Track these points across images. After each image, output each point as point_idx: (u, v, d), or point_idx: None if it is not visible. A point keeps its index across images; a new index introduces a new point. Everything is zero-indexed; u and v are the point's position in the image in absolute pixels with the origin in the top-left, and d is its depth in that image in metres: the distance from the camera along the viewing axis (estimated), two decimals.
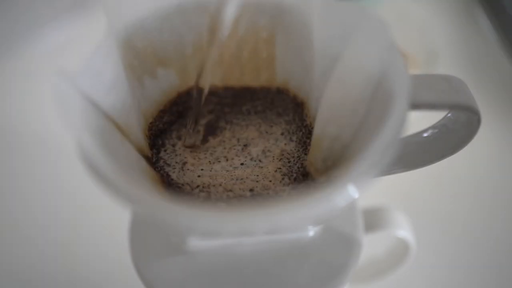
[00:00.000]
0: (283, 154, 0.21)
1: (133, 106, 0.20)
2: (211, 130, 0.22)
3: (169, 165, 0.21)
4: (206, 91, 0.20)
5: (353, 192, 0.15)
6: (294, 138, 0.21)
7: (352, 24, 0.18)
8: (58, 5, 0.48)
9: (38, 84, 0.43)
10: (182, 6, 0.21)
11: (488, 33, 0.47)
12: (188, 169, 0.20)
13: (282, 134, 0.22)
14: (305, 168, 0.20)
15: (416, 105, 0.18)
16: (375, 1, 0.47)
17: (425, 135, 0.22)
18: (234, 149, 0.21)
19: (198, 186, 0.20)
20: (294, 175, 0.20)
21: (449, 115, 0.20)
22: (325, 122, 0.20)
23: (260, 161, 0.21)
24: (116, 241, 0.30)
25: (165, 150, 0.21)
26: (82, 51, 0.19)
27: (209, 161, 0.21)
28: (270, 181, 0.20)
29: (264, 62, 0.23)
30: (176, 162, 0.21)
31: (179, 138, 0.22)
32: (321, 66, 0.20)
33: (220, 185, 0.20)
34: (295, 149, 0.21)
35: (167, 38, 0.22)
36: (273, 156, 0.21)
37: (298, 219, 0.15)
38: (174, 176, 0.20)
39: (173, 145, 0.21)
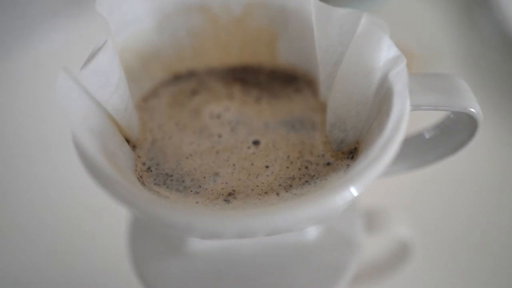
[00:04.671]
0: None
1: (134, 108, 0.20)
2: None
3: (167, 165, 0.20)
4: None
5: (352, 191, 0.15)
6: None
7: (350, 29, 0.18)
8: (58, 5, 0.48)
9: (38, 83, 0.43)
10: (182, 7, 0.21)
11: (488, 33, 0.47)
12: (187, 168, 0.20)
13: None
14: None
15: (417, 105, 0.18)
16: (376, 1, 0.47)
17: (426, 135, 0.22)
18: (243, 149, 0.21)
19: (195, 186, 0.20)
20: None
21: (450, 115, 0.20)
22: (331, 126, 0.20)
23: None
24: (115, 242, 0.30)
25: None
26: (83, 51, 0.19)
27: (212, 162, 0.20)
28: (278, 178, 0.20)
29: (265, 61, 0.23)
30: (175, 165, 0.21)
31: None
32: (324, 71, 0.20)
33: (226, 182, 0.19)
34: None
35: (167, 39, 0.22)
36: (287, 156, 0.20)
37: (298, 219, 0.15)
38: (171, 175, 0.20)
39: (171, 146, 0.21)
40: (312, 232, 0.22)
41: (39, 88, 0.42)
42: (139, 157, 0.20)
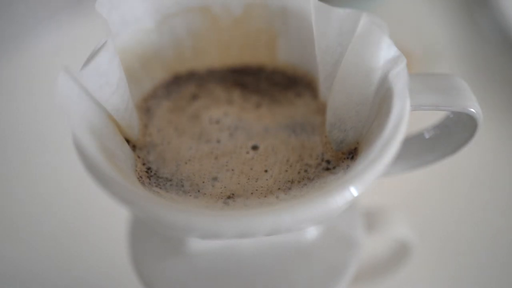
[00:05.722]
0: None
1: (134, 108, 0.20)
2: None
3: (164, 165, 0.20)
4: None
5: (352, 192, 0.15)
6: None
7: (349, 30, 0.18)
8: (58, 4, 0.48)
9: (38, 83, 0.43)
10: (182, 7, 0.21)
11: (488, 33, 0.47)
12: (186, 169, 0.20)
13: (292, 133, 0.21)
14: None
15: (417, 105, 0.18)
16: (375, 1, 0.47)
17: (426, 135, 0.22)
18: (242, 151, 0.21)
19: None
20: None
21: (450, 115, 0.20)
22: (331, 126, 0.20)
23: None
24: (115, 242, 0.30)
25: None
26: (83, 51, 0.19)
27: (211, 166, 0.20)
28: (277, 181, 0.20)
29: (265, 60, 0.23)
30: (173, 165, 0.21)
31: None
32: (324, 72, 0.20)
33: (225, 186, 0.19)
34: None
35: (167, 39, 0.22)
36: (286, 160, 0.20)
37: (298, 219, 0.15)
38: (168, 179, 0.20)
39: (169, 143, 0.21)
40: (312, 232, 0.22)
41: (39, 88, 0.42)
42: (139, 157, 0.20)
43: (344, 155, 0.19)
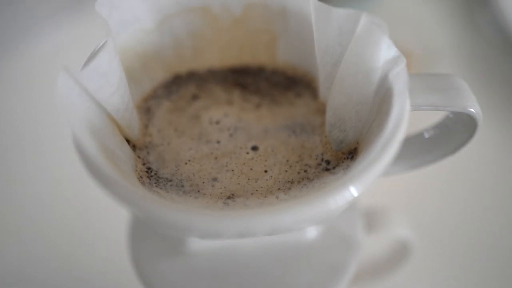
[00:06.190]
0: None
1: (134, 108, 0.20)
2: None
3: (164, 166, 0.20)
4: None
5: (352, 192, 0.15)
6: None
7: (349, 30, 0.18)
8: (58, 4, 0.48)
9: (38, 83, 0.43)
10: (182, 7, 0.21)
11: (488, 33, 0.47)
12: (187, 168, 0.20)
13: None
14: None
15: (417, 105, 0.18)
16: (375, 1, 0.47)
17: (426, 135, 0.22)
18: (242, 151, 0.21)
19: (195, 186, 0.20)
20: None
21: (450, 115, 0.20)
22: (331, 126, 0.20)
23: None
24: (115, 242, 0.30)
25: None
26: (83, 51, 0.19)
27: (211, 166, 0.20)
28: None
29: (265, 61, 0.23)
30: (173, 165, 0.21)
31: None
32: (324, 72, 0.20)
33: (224, 187, 0.19)
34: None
35: (167, 39, 0.22)
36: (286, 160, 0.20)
37: (298, 219, 0.15)
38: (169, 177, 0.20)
39: (169, 143, 0.21)
40: (312, 232, 0.22)
41: (39, 87, 0.42)
42: (139, 157, 0.20)
43: (344, 155, 0.19)
